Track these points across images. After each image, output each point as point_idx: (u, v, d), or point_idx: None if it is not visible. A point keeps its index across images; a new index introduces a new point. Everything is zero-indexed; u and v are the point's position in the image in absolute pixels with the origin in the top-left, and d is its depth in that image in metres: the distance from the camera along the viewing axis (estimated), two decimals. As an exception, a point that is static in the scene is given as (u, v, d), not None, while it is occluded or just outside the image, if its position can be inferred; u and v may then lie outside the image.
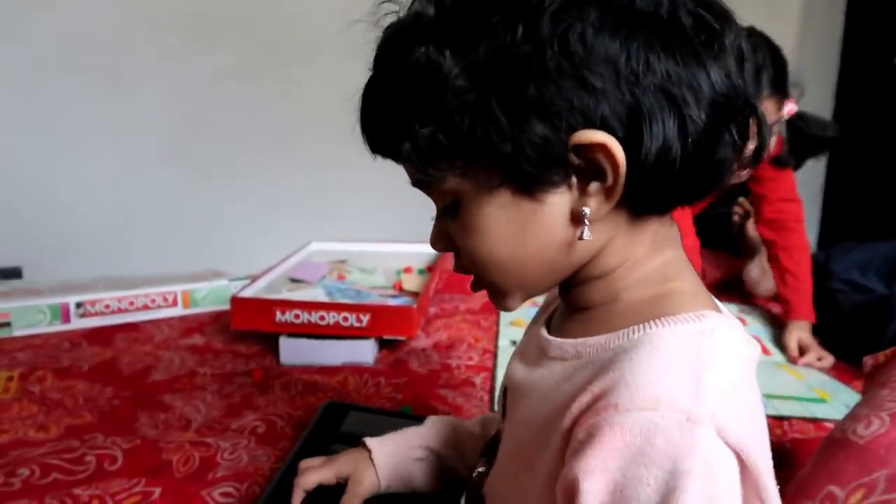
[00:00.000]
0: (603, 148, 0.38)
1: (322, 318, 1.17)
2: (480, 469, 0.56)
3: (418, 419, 0.93)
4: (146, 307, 1.40)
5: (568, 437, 0.39)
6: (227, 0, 2.26)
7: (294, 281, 1.48)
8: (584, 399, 0.38)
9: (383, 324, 1.17)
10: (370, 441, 0.67)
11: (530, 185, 0.40)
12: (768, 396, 1.08)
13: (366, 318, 1.17)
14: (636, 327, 0.40)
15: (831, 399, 1.09)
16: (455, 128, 0.40)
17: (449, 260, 1.68)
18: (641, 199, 0.41)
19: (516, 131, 0.38)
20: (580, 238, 0.41)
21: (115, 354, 1.20)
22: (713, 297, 0.46)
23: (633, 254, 0.44)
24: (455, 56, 0.39)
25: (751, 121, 0.42)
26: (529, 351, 0.50)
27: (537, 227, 0.42)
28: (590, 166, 0.39)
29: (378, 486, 0.65)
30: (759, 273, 1.68)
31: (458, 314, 1.42)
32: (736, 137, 0.41)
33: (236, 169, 2.37)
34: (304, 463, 0.67)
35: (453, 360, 1.18)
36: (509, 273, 0.45)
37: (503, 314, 1.41)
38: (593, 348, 0.42)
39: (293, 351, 1.17)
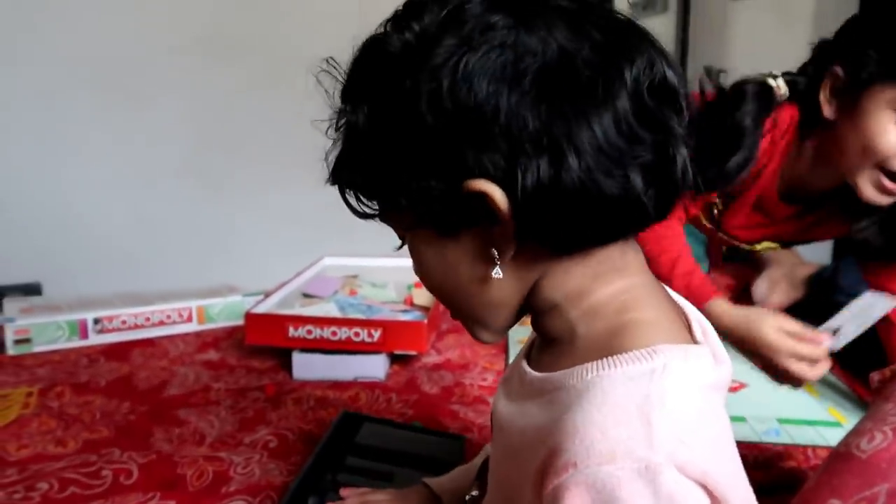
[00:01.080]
0: (486, 196, 0.39)
1: (334, 333, 1.19)
2: (474, 493, 0.57)
3: (432, 433, 0.95)
4: (162, 323, 1.42)
5: (538, 490, 0.39)
6: (242, 18, 2.31)
7: (307, 296, 1.50)
8: (543, 453, 0.39)
9: (394, 339, 1.19)
10: (435, 485, 0.68)
11: (444, 228, 0.44)
12: (781, 422, 1.07)
13: (377, 334, 1.18)
14: (590, 366, 0.40)
15: (847, 422, 1.08)
16: (372, 180, 0.44)
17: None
18: (547, 239, 0.42)
19: (412, 182, 0.41)
20: (495, 275, 0.43)
21: (132, 370, 1.22)
22: (680, 321, 0.46)
23: (572, 287, 0.44)
24: (368, 114, 0.42)
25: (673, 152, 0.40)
26: (512, 382, 0.50)
27: (457, 264, 0.44)
28: (485, 211, 0.40)
29: None
30: (766, 288, 1.68)
31: (468, 329, 1.43)
32: (639, 176, 0.39)
33: (251, 183, 2.40)
34: (379, 492, 0.68)
35: (467, 379, 1.19)
36: (454, 305, 0.49)
37: (513, 332, 1.42)
38: (553, 385, 0.43)
39: (306, 366, 1.18)
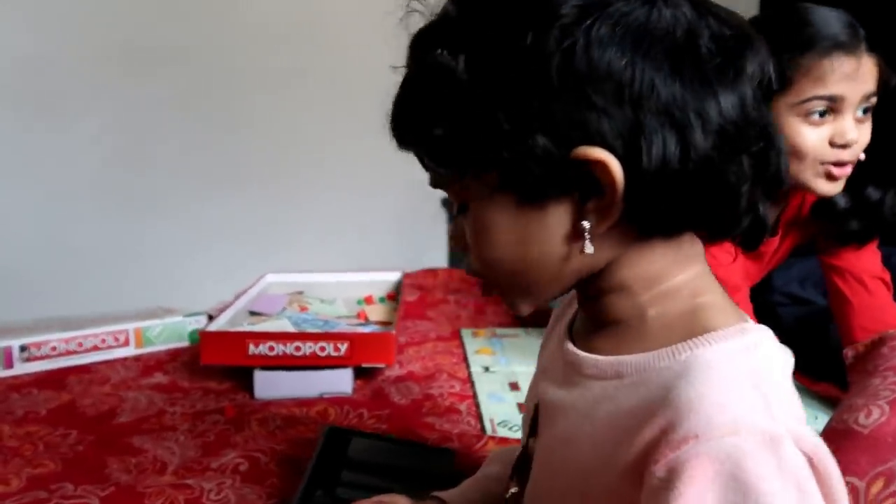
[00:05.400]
0: (600, 165, 0.38)
1: (298, 348, 1.13)
2: (514, 490, 0.55)
3: (420, 446, 0.91)
4: (96, 348, 1.31)
5: (636, 470, 0.38)
6: (164, 29, 2.20)
7: (254, 314, 1.43)
8: (650, 433, 0.37)
9: (361, 352, 1.14)
10: (448, 498, 0.65)
11: (531, 195, 0.41)
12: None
13: (343, 347, 1.14)
14: (680, 346, 0.40)
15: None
16: (463, 132, 0.40)
17: (409, 287, 1.66)
18: (645, 219, 0.41)
19: (518, 142, 0.39)
20: (581, 252, 0.41)
21: (73, 397, 1.12)
22: (738, 309, 0.46)
23: (651, 270, 0.43)
24: (468, 61, 0.40)
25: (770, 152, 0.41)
26: (556, 368, 0.49)
27: (538, 236, 0.42)
28: (589, 182, 0.39)
29: None
30: None
31: (428, 342, 1.40)
32: (747, 167, 0.40)
33: (179, 202, 2.28)
34: (390, 499, 0.64)
35: (434, 389, 1.16)
36: (513, 278, 0.45)
37: (466, 342, 1.40)
38: (635, 368, 0.42)
39: (269, 384, 1.12)
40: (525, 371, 1.25)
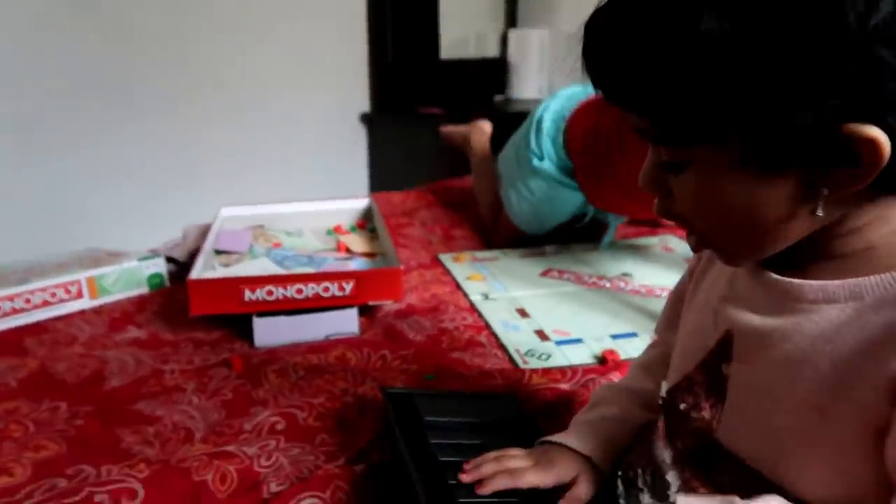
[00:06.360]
0: (870, 143, 0.36)
1: (300, 291, 1.03)
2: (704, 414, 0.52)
3: (482, 396, 0.87)
4: (46, 303, 1.15)
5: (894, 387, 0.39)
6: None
7: (221, 252, 1.30)
8: None
9: (369, 290, 1.07)
10: (585, 449, 0.61)
11: (776, 163, 0.40)
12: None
13: (349, 286, 1.05)
14: None
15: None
16: (720, 96, 0.38)
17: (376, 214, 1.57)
18: (889, 183, 0.39)
19: (783, 114, 0.37)
20: (812, 213, 0.41)
21: (41, 362, 0.98)
22: None
23: (882, 218, 0.43)
24: (736, 24, 0.36)
25: None
26: (754, 297, 0.48)
27: (770, 200, 0.41)
28: (847, 153, 0.37)
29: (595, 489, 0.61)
30: None
31: (412, 271, 1.34)
32: None
33: (73, 136, 2.02)
34: (511, 454, 0.60)
35: (446, 322, 1.10)
36: (736, 238, 0.45)
37: (451, 269, 1.35)
38: (875, 288, 0.41)
39: (269, 331, 1.02)
40: (526, 295, 1.22)
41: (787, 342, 0.45)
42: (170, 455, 0.76)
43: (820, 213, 0.40)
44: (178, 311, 1.12)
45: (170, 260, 1.33)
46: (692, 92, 0.38)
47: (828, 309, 0.43)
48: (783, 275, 0.46)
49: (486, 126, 1.80)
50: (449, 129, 1.89)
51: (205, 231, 1.35)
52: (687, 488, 0.52)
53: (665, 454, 0.55)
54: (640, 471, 0.59)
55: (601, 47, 0.42)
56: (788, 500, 0.44)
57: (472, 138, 1.77)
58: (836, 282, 0.43)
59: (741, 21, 0.36)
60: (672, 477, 0.55)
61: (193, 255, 1.28)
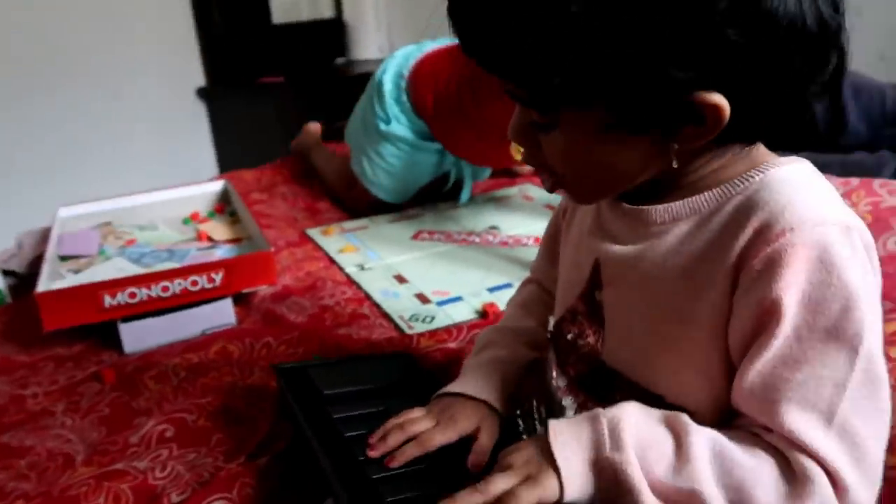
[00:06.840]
0: (714, 108, 0.42)
1: (165, 288, 0.98)
2: (590, 340, 0.56)
3: (375, 358, 0.87)
4: None
5: (735, 274, 0.45)
6: None
7: (66, 258, 1.19)
8: (745, 236, 0.44)
9: (241, 277, 1.03)
10: (481, 394, 0.62)
11: (636, 125, 0.44)
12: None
13: (219, 277, 1.01)
14: (751, 172, 0.47)
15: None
16: (585, 66, 0.41)
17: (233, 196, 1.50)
18: (730, 136, 0.45)
19: (643, 83, 0.41)
20: (665, 164, 0.46)
21: None
22: None
23: (722, 161, 0.48)
24: None
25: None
26: (615, 230, 0.53)
27: (629, 155, 0.47)
28: (695, 115, 0.43)
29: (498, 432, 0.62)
30: None
31: (282, 251, 1.30)
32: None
33: None
34: (413, 417, 0.60)
35: (326, 299, 1.09)
36: (593, 183, 0.51)
37: (322, 244, 1.33)
38: (710, 201, 0.48)
39: (139, 335, 0.96)
40: (402, 261, 1.23)
41: (644, 261, 0.50)
42: (50, 485, 0.70)
43: (675, 165, 0.46)
44: (28, 328, 1.02)
45: (7, 273, 1.20)
46: (559, 60, 0.41)
47: (675, 227, 0.49)
48: (639, 205, 0.51)
49: (314, 126, 1.81)
50: (293, 144, 1.86)
51: (43, 236, 1.23)
52: (584, 411, 0.55)
53: (560, 381, 0.59)
54: (535, 403, 0.63)
55: (470, 14, 0.43)
56: (669, 409, 0.48)
57: (307, 140, 1.77)
58: (679, 202, 0.49)
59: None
60: (568, 402, 0.59)
61: (35, 264, 1.16)
